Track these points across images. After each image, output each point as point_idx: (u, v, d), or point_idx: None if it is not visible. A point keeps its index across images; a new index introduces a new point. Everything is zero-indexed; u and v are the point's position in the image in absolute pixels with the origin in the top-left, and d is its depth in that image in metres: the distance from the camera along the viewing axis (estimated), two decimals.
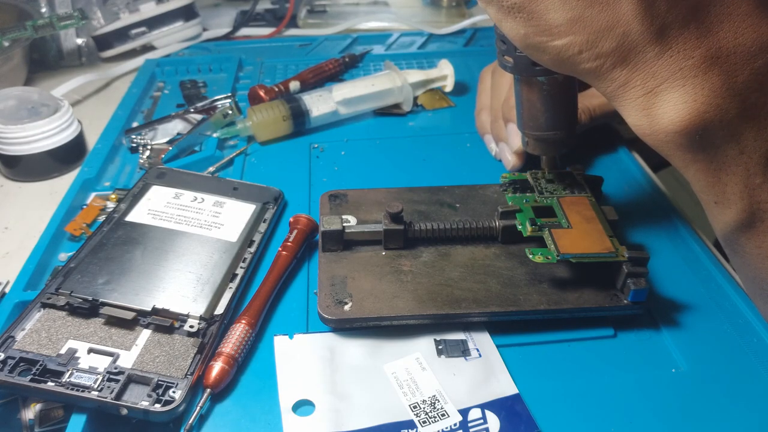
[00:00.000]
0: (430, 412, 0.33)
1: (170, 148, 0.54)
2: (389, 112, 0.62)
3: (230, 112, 0.58)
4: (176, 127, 0.58)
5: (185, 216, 0.45)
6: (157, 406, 0.32)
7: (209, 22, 0.84)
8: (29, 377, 0.32)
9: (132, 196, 0.46)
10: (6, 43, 0.62)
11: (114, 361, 0.34)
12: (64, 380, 0.32)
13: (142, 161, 0.54)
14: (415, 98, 0.63)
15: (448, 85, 0.64)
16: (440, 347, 0.37)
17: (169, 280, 0.39)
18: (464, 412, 0.33)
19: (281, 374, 0.35)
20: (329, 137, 0.58)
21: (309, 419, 0.33)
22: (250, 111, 0.56)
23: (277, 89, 0.61)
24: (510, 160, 0.50)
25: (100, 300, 0.37)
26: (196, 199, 0.46)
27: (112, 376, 0.33)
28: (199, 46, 0.76)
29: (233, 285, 0.40)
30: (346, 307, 0.37)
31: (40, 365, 0.33)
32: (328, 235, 0.41)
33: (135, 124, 0.60)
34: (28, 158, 0.53)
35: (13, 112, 0.53)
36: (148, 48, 0.75)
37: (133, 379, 0.33)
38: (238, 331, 0.36)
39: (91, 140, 0.57)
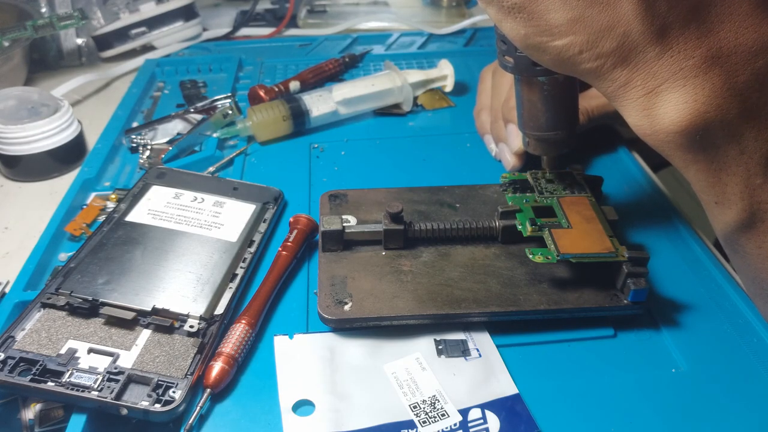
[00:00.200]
0: (430, 412, 0.33)
1: (170, 148, 0.54)
2: (389, 112, 0.62)
3: (230, 112, 0.58)
4: (176, 127, 0.58)
5: (185, 216, 0.45)
6: (157, 406, 0.32)
7: (209, 22, 0.84)
8: (29, 377, 0.32)
9: (132, 196, 0.46)
10: (6, 43, 0.62)
11: (114, 361, 0.34)
12: (64, 380, 0.32)
13: (142, 161, 0.54)
14: (415, 98, 0.63)
15: (448, 85, 0.64)
16: (440, 347, 0.37)
17: (169, 280, 0.39)
18: (464, 412, 0.33)
19: (281, 374, 0.35)
20: (329, 137, 0.58)
21: (309, 419, 0.33)
22: (250, 111, 0.56)
23: (277, 89, 0.61)
24: (510, 160, 0.50)
25: (100, 300, 0.37)
26: (196, 199, 0.46)
27: (112, 376, 0.33)
28: (199, 46, 0.76)
29: (233, 285, 0.40)
30: (346, 307, 0.37)
31: (40, 365, 0.33)
32: (328, 235, 0.41)
33: (135, 124, 0.60)
34: (28, 158, 0.53)
35: (13, 112, 0.53)
36: (148, 48, 0.75)
37: (133, 379, 0.33)
38: (238, 331, 0.36)
39: (91, 140, 0.57)
